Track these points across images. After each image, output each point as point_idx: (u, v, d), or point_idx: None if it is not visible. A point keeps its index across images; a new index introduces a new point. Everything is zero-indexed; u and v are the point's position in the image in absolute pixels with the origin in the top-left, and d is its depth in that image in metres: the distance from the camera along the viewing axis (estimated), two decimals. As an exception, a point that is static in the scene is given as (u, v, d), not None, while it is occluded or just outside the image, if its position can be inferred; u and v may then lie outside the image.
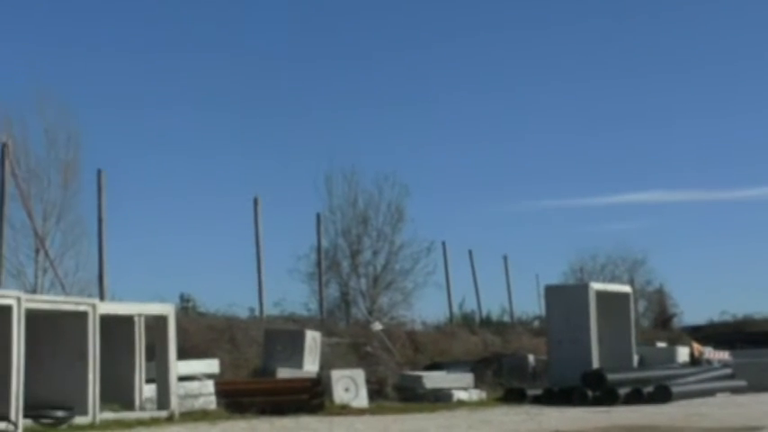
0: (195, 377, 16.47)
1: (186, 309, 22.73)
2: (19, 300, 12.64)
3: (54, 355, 13.83)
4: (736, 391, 23.77)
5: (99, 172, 20.30)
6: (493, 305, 32.47)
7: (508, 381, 22.23)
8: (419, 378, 20.29)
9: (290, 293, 35.42)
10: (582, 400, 20.29)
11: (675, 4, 50.40)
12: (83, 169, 21.07)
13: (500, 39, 46.53)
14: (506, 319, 31.80)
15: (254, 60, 42.83)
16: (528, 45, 46.94)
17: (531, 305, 33.20)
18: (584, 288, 22.74)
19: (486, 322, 30.54)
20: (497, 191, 45.70)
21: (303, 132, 41.37)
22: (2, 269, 19.00)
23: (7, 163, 19.15)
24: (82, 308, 14.03)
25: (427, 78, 45.12)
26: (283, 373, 18.23)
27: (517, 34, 46.40)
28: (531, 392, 20.98)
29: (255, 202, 23.98)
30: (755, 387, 24.13)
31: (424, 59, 45.02)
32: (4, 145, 19.25)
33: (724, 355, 27.73)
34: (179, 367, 15.54)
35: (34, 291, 19.01)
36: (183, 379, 15.77)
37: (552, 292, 22.89)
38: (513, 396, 20.89)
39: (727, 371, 24.97)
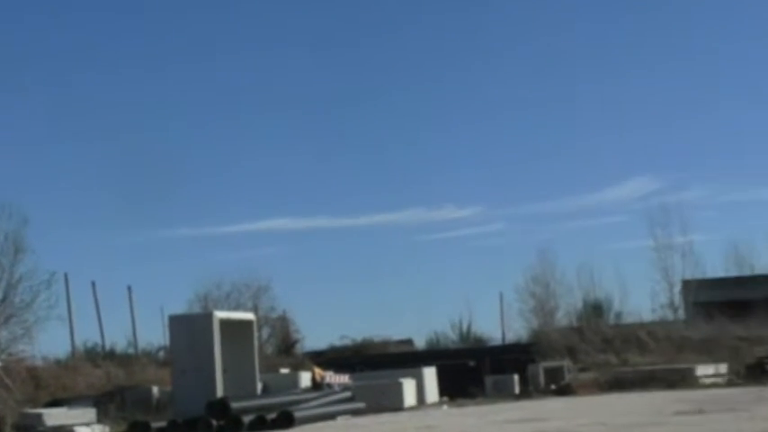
0: None
1: None
2: None
3: None
4: (356, 413, 24.52)
5: None
6: (118, 337, 32.12)
7: (132, 414, 22.00)
8: (39, 415, 19.76)
9: None
10: (207, 431, 20.35)
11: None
12: None
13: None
14: (131, 351, 31.51)
15: None
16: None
17: (156, 336, 33.09)
18: (207, 317, 22.88)
19: (110, 355, 30.16)
20: (121, 222, 45.23)
21: None
22: None
23: None
24: None
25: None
26: None
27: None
28: (155, 425, 20.84)
29: None
30: (374, 408, 24.97)
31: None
32: None
33: (344, 378, 28.54)
34: None
35: None
36: None
37: (176, 322, 22.87)
38: (137, 430, 20.70)
39: (347, 394, 25.71)
